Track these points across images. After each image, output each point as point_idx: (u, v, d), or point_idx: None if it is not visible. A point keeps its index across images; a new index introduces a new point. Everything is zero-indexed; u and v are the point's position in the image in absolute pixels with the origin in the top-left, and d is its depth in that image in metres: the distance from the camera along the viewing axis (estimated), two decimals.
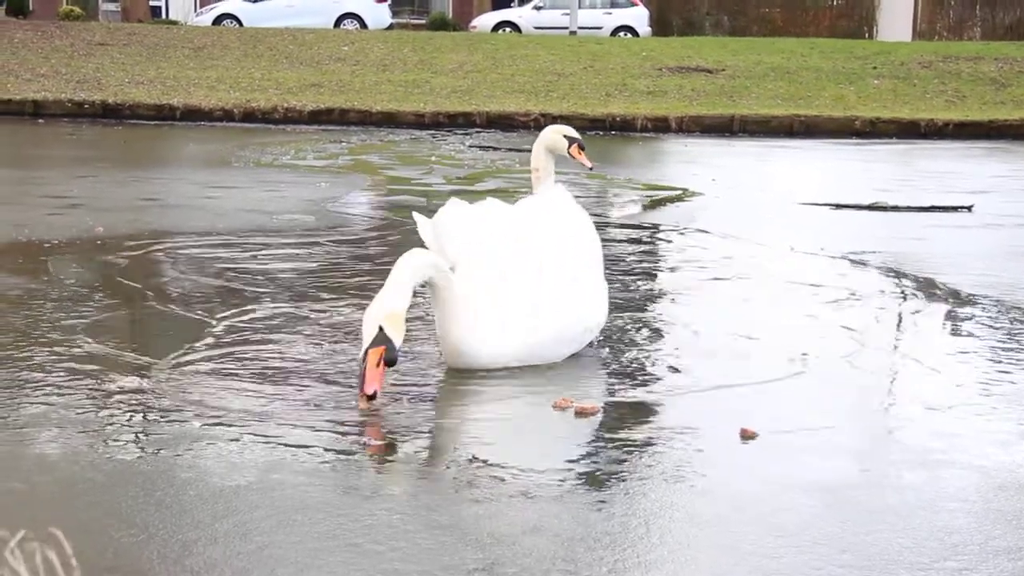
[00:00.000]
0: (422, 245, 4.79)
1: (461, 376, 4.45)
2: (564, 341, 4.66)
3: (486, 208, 4.89)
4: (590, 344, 4.88)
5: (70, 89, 18.80)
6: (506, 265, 4.55)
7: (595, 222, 5.87)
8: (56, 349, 4.68)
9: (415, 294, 4.29)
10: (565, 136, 5.40)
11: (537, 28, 36.11)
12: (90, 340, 4.83)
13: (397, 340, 4.01)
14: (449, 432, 3.94)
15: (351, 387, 4.26)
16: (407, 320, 4.20)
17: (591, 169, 5.41)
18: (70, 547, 2.22)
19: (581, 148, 5.37)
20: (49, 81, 19.66)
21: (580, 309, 4.71)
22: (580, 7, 33.94)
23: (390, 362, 4.00)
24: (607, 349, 4.93)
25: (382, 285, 4.19)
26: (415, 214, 5.19)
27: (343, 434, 3.80)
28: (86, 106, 17.78)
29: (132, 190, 9.77)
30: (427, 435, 3.89)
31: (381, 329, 3.99)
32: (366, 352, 3.98)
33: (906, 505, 3.36)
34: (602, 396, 4.37)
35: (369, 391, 3.92)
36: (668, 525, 3.18)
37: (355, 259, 6.92)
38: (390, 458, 3.66)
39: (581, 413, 4.05)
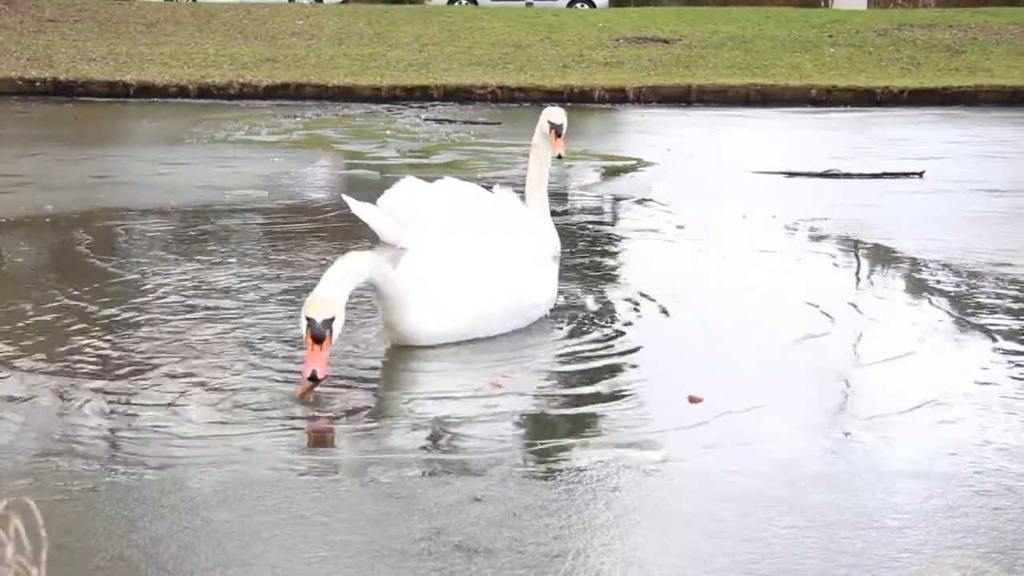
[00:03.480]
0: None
1: (407, 352, 4.44)
2: (511, 316, 4.71)
3: (442, 189, 4.92)
4: (544, 317, 4.91)
5: (20, 67, 18.54)
6: (458, 245, 4.60)
7: (549, 192, 5.90)
8: (4, 325, 4.64)
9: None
10: (549, 120, 5.73)
11: (493, 0, 35.91)
12: (39, 316, 4.80)
13: (319, 317, 3.87)
14: (395, 406, 3.94)
15: (298, 365, 4.27)
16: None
17: (558, 157, 5.63)
18: (41, 518, 2.20)
19: (558, 135, 5.66)
20: None
21: (528, 286, 4.78)
22: None
23: (316, 338, 3.86)
24: (557, 320, 4.95)
25: (332, 257, 4.18)
26: (347, 197, 5.15)
27: (291, 410, 3.80)
28: (37, 84, 17.56)
29: (83, 168, 9.68)
30: (374, 410, 3.88)
31: (308, 319, 3.88)
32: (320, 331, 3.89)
33: (851, 468, 3.40)
34: (550, 366, 4.39)
35: (307, 373, 3.82)
36: (614, 492, 3.20)
37: (306, 232, 6.89)
38: (337, 433, 3.66)
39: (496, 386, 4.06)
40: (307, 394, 3.86)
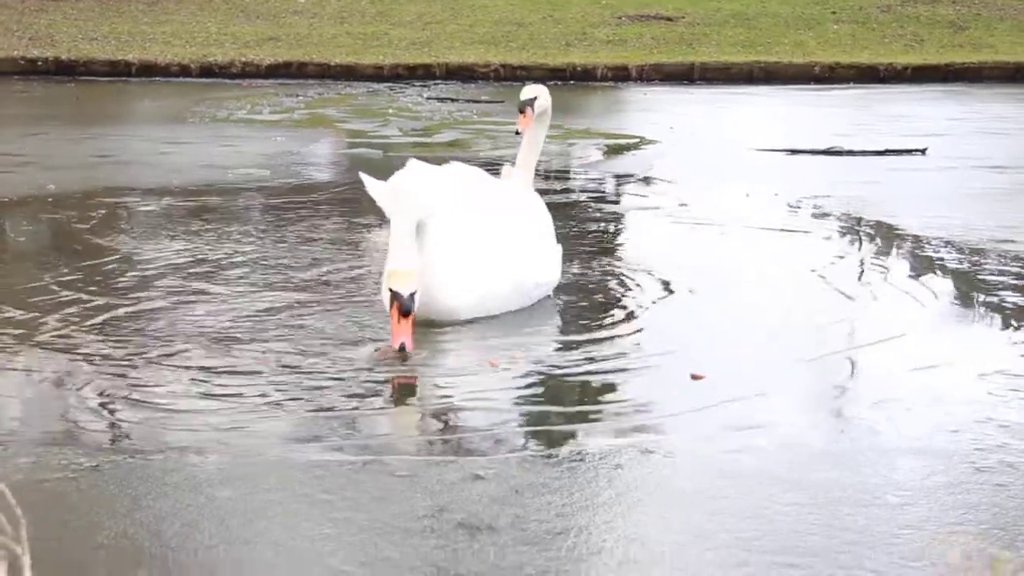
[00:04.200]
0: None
1: (416, 330, 4.43)
2: (518, 296, 4.74)
3: (448, 174, 4.95)
4: (548, 297, 4.92)
5: (22, 46, 18.49)
6: (469, 228, 4.61)
7: (552, 171, 5.91)
8: (7, 304, 4.65)
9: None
10: (522, 98, 5.68)
11: None
12: (41, 295, 4.80)
13: (406, 290, 4.11)
14: (397, 386, 3.95)
15: (305, 343, 4.27)
16: None
17: (516, 133, 5.64)
18: (13, 499, 2.21)
19: (521, 111, 5.64)
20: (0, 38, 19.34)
21: (533, 268, 4.81)
22: None
23: (405, 312, 4.09)
24: (560, 299, 4.95)
25: (333, 236, 4.19)
26: (363, 174, 5.19)
27: (293, 388, 3.81)
28: (39, 63, 17.50)
29: (85, 147, 9.67)
30: (377, 388, 3.89)
31: (391, 291, 4.12)
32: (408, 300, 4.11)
33: (853, 446, 3.40)
34: (553, 345, 4.39)
35: (396, 345, 4.06)
36: (616, 470, 3.21)
37: (308, 210, 6.89)
38: (340, 411, 3.66)
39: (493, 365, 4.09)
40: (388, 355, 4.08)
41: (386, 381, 3.93)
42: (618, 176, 8.50)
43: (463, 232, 4.60)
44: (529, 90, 5.66)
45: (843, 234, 6.40)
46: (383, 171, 5.92)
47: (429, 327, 4.44)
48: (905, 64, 17.78)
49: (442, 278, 4.46)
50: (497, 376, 3.96)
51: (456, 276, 4.50)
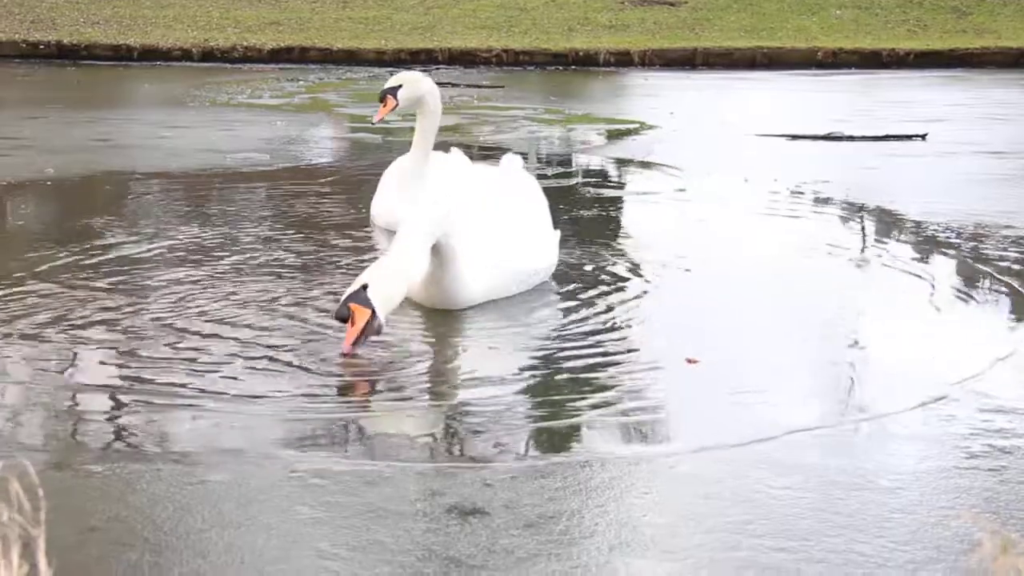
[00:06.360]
0: (369, 180, 4.79)
1: (400, 317, 4.41)
2: (517, 282, 4.74)
3: (446, 161, 4.98)
4: (545, 282, 4.93)
5: (24, 29, 18.47)
6: (471, 216, 4.61)
7: (551, 156, 5.90)
8: (4, 289, 4.65)
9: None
10: (385, 87, 5.54)
11: None
12: (38, 280, 4.80)
13: (381, 309, 3.93)
14: (390, 370, 3.94)
15: (301, 328, 4.27)
16: None
17: (372, 123, 5.64)
18: (37, 477, 2.21)
19: (381, 100, 5.52)
20: (1, 21, 19.32)
21: (532, 254, 4.82)
22: None
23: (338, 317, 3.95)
24: (556, 284, 4.95)
25: (332, 221, 4.18)
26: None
27: (286, 372, 3.80)
28: (41, 47, 17.49)
29: (85, 131, 9.66)
30: (368, 374, 3.88)
31: (365, 288, 3.92)
32: (347, 303, 3.91)
33: (847, 430, 3.40)
34: (548, 330, 4.39)
35: (346, 350, 3.86)
36: (609, 454, 3.21)
37: (307, 194, 6.88)
38: (329, 395, 3.65)
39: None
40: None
41: (377, 367, 3.93)
42: (618, 161, 8.49)
43: (467, 221, 4.59)
44: (395, 78, 5.46)
45: (842, 219, 6.40)
46: (381, 155, 5.93)
47: (427, 314, 4.44)
48: (908, 50, 17.74)
49: (464, 269, 4.45)
50: (490, 361, 3.96)
51: (464, 264, 4.49)
